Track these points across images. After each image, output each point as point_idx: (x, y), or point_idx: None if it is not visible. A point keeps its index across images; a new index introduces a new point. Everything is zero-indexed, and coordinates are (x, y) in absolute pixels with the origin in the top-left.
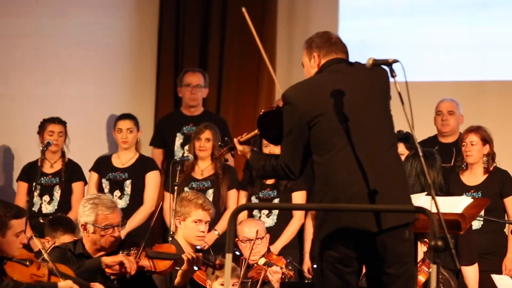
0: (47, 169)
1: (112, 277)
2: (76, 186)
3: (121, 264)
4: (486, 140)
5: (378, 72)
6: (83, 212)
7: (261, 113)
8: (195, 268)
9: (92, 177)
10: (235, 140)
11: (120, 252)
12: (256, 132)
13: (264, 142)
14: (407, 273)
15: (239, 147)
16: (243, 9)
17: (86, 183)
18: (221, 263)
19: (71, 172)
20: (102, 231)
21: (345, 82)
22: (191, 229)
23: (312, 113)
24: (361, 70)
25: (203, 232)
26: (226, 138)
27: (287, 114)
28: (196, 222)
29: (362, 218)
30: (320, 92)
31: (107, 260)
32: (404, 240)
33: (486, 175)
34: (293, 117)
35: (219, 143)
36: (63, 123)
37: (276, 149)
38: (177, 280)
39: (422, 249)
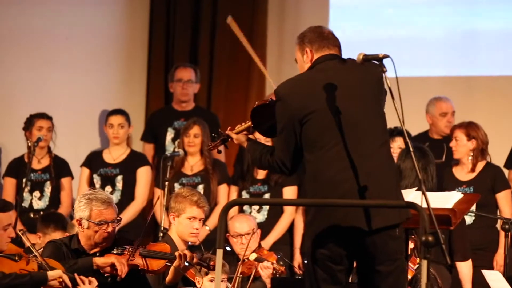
0: (35, 165)
1: (105, 274)
2: (65, 181)
3: (113, 265)
4: (472, 135)
5: (371, 69)
6: (78, 207)
7: (254, 105)
8: (186, 264)
9: (84, 173)
10: (229, 131)
11: (115, 249)
12: (249, 124)
13: None
14: (398, 269)
15: (235, 136)
16: (229, 18)
17: (73, 178)
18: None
19: (59, 168)
20: (96, 226)
21: (337, 79)
22: (185, 225)
23: (303, 110)
24: (353, 66)
25: (196, 229)
26: (219, 130)
27: (279, 111)
28: (190, 219)
29: (353, 217)
30: (312, 89)
31: (98, 261)
32: (395, 237)
33: (478, 170)
34: (285, 114)
35: (212, 134)
36: (50, 118)
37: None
38: (168, 278)
39: (409, 245)
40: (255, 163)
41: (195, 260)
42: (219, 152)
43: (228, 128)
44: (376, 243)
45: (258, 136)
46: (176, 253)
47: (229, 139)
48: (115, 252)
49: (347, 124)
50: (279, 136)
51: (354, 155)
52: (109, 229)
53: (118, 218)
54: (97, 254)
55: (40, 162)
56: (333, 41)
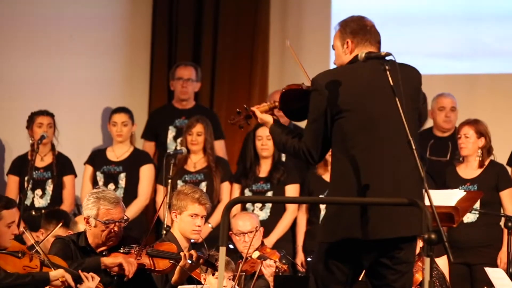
0: (38, 162)
1: (112, 273)
2: (67, 179)
3: (120, 265)
4: (482, 133)
5: (411, 73)
6: (86, 205)
7: (286, 88)
8: (193, 264)
9: (87, 170)
10: (254, 108)
11: (121, 248)
12: (275, 103)
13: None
14: (411, 271)
15: (260, 116)
16: (288, 43)
17: (76, 177)
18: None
19: (61, 166)
20: (103, 225)
21: (377, 80)
22: (187, 223)
23: (339, 106)
24: (394, 69)
25: (199, 226)
26: (245, 105)
27: (315, 101)
28: (192, 216)
29: (379, 224)
30: (351, 86)
31: (106, 261)
32: (416, 242)
33: (482, 169)
34: (320, 105)
35: (237, 110)
36: (51, 115)
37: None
38: (174, 278)
39: (419, 244)
40: (277, 146)
41: (201, 260)
42: (241, 127)
43: (256, 106)
44: (402, 249)
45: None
46: (182, 254)
47: (253, 117)
48: (121, 251)
49: (381, 127)
50: (310, 125)
51: (385, 161)
52: (116, 228)
53: (125, 217)
54: (104, 253)
55: (43, 159)
56: (375, 36)
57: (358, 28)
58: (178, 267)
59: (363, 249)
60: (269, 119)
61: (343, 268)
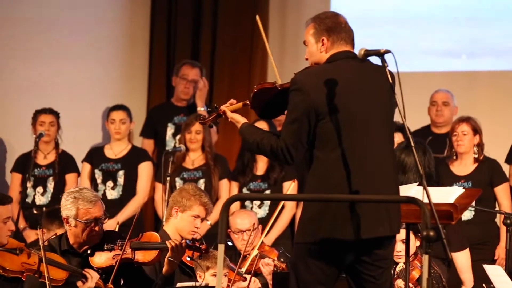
0: (41, 160)
1: (99, 271)
2: (70, 177)
3: None
4: (477, 130)
5: (386, 74)
6: (65, 205)
7: (258, 88)
8: (188, 258)
9: (85, 168)
10: (223, 107)
11: (105, 245)
12: (246, 102)
13: None
14: (391, 267)
15: (231, 115)
16: (257, 17)
17: (79, 175)
18: (207, 247)
19: (64, 164)
20: (83, 225)
21: (358, 81)
22: (188, 222)
23: (322, 107)
24: (372, 69)
25: (197, 228)
26: (215, 105)
27: (296, 101)
28: (195, 217)
29: (359, 226)
30: (333, 87)
31: None
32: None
33: (475, 165)
34: (302, 105)
35: (207, 109)
36: (54, 113)
37: None
38: (164, 269)
39: (415, 243)
40: (250, 145)
41: (183, 246)
42: (211, 126)
43: (226, 104)
44: (382, 247)
45: None
46: (168, 243)
47: (223, 116)
48: (105, 248)
49: (362, 129)
50: (290, 125)
51: (366, 163)
52: (97, 228)
53: (106, 215)
54: (88, 251)
55: (46, 157)
56: (350, 34)
57: (333, 26)
58: (166, 258)
59: (344, 248)
60: (239, 118)
61: (324, 268)
